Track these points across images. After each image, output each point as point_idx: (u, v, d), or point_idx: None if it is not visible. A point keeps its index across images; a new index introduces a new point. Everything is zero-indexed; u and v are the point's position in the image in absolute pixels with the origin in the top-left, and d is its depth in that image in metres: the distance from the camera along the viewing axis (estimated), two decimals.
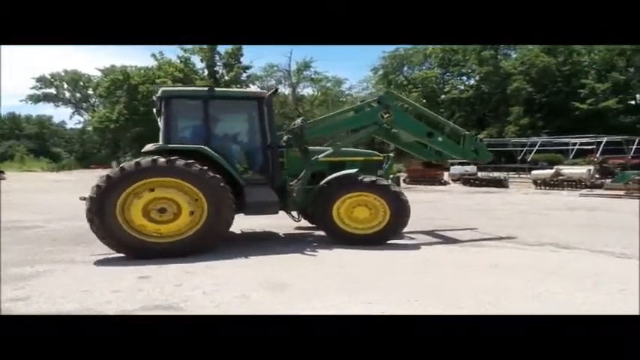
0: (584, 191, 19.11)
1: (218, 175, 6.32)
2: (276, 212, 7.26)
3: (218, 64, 48.36)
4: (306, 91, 52.40)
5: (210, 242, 6.37)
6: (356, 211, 7.08)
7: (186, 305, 4.11)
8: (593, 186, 20.24)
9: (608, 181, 20.83)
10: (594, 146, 29.80)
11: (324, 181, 7.25)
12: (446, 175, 27.03)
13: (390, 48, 54.85)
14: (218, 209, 6.28)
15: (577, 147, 31.46)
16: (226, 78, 47.14)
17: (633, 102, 45.25)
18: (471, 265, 5.83)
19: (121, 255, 6.26)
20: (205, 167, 6.26)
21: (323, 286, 4.73)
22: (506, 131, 42.25)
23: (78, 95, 77.89)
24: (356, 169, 7.43)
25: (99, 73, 61.56)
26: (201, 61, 48.18)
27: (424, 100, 49.57)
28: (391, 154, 8.51)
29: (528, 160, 31.74)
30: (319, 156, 7.54)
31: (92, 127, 57.17)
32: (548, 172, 22.62)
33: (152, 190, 6.15)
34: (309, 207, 7.44)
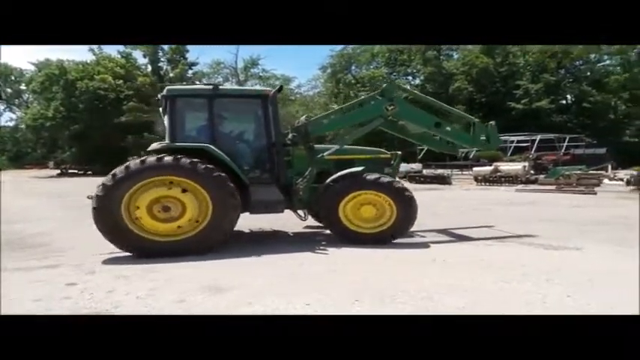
0: (519, 186, 20.18)
1: (223, 174, 6.32)
2: (282, 211, 7.21)
3: (162, 60, 46.87)
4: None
5: (215, 241, 6.34)
6: (362, 209, 7.01)
7: (117, 312, 3.93)
8: (528, 181, 21.41)
9: (542, 176, 22.15)
10: (529, 144, 31.53)
11: (330, 179, 7.17)
12: None
13: (338, 47, 55.40)
14: (223, 208, 6.28)
15: (514, 144, 33.15)
16: (171, 75, 45.80)
17: (564, 102, 48.35)
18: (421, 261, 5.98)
19: (54, 263, 5.93)
20: (210, 165, 6.26)
21: (268, 289, 4.62)
22: None
23: (9, 90, 72.84)
24: (362, 167, 7.32)
25: (32, 67, 57.95)
26: (144, 56, 46.49)
27: None
28: (399, 152, 8.42)
29: (470, 157, 33.01)
30: (325, 154, 7.40)
31: (25, 124, 53.63)
32: (487, 169, 23.69)
33: (185, 190, 6.24)
34: (315, 205, 7.33)
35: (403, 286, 4.59)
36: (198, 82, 43.73)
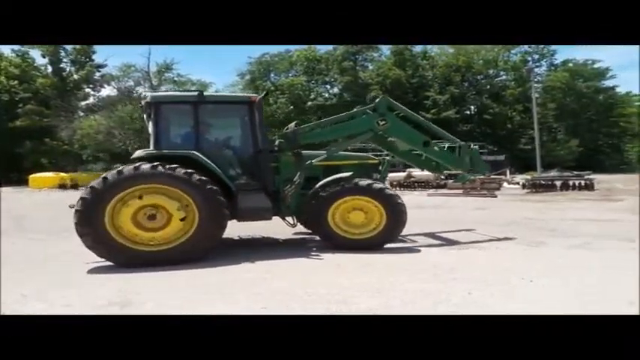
0: (431, 191, 21.41)
1: (208, 180, 6.19)
2: (270, 218, 7.02)
3: (64, 60, 43.37)
4: None
5: (204, 249, 6.20)
6: (352, 215, 6.92)
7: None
8: (439, 186, 22.77)
9: (451, 181, 23.66)
10: None
11: (318, 185, 7.02)
12: None
13: (256, 54, 55.22)
14: (210, 215, 6.15)
15: None
16: (75, 77, 42.55)
17: (468, 112, 52.42)
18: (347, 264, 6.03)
19: None
20: (193, 171, 6.13)
21: (182, 299, 4.40)
22: None
23: None
24: (351, 173, 7.23)
25: None
26: (43, 56, 42.74)
27: (292, 107, 50.87)
28: (387, 158, 8.39)
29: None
30: (313, 160, 7.24)
31: None
32: (401, 175, 24.83)
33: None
34: (304, 212, 7.13)
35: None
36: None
